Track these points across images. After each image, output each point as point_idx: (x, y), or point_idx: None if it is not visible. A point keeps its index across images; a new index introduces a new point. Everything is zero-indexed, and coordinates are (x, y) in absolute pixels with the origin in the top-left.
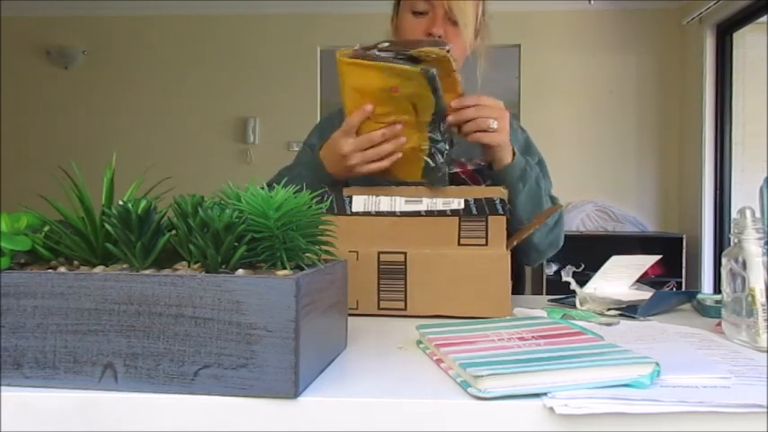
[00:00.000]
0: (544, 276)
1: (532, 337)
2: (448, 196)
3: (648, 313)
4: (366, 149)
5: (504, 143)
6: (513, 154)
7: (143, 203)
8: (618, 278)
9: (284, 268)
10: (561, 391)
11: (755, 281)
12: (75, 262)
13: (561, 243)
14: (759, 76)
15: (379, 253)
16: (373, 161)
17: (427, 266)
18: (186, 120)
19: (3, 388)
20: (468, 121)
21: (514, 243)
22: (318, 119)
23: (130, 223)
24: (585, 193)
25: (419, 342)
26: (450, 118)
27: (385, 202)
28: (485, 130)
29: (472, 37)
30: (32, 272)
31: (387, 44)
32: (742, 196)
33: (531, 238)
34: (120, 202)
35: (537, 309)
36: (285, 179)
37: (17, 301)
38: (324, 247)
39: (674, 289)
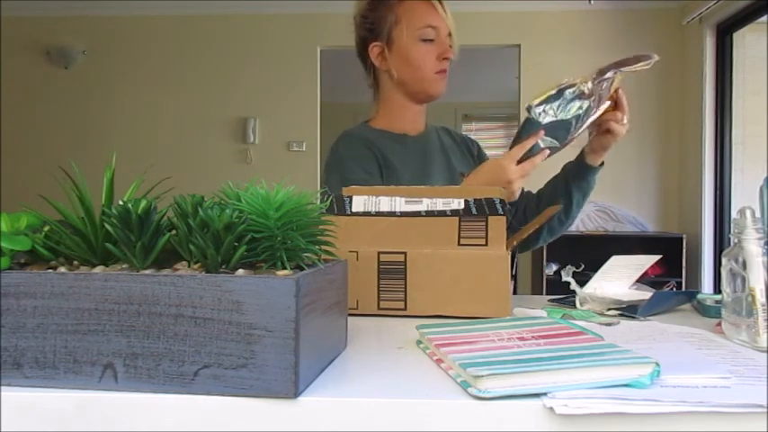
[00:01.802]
0: (544, 276)
1: (532, 337)
2: (448, 196)
3: (648, 313)
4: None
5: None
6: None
7: (143, 203)
8: (618, 278)
9: (284, 268)
10: (561, 391)
11: (755, 281)
12: (75, 262)
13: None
14: (759, 76)
15: (379, 253)
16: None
17: (427, 266)
18: (186, 120)
19: (3, 388)
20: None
21: (514, 243)
22: (318, 119)
23: (130, 223)
24: None
25: (419, 342)
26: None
27: (385, 203)
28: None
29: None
30: (32, 272)
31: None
32: (742, 196)
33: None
34: (120, 202)
35: (537, 309)
36: None
37: (17, 301)
38: (324, 247)
39: (674, 289)
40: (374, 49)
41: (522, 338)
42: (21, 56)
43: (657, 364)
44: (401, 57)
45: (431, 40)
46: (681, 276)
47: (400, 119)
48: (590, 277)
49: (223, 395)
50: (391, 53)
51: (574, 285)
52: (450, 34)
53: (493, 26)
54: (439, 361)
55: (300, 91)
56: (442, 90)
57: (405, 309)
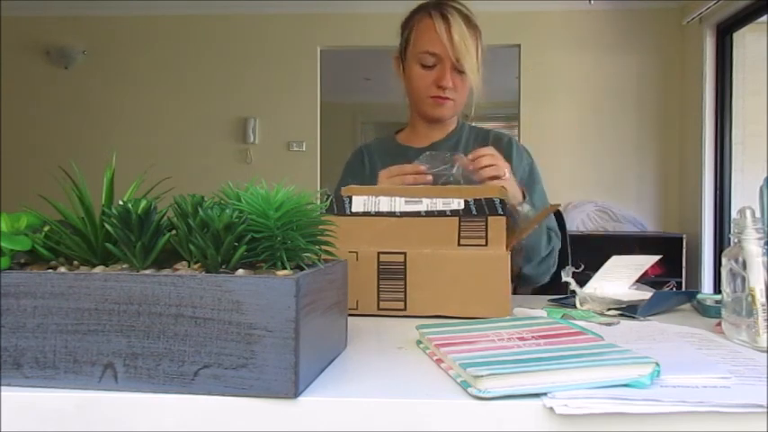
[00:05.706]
0: None
1: (532, 337)
2: (448, 196)
3: (648, 313)
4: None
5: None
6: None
7: (143, 203)
8: (618, 278)
9: (284, 268)
10: (561, 391)
11: (755, 281)
12: (75, 262)
13: (552, 271)
14: (759, 76)
15: (379, 253)
16: None
17: (427, 266)
18: (186, 120)
19: (3, 388)
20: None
21: (514, 243)
22: (318, 119)
23: (130, 223)
24: (585, 193)
25: (419, 342)
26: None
27: (385, 203)
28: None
29: (477, 78)
30: (32, 272)
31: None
32: (742, 196)
33: (522, 270)
34: (120, 202)
35: (537, 309)
36: None
37: (17, 301)
38: (324, 247)
39: (674, 289)
40: (394, 61)
41: (522, 338)
42: (21, 56)
43: (657, 364)
44: (406, 75)
45: (430, 67)
46: (681, 276)
47: (415, 132)
48: (590, 277)
49: (223, 395)
50: (403, 69)
51: (574, 285)
52: (455, 68)
53: (492, 26)
54: (439, 361)
55: (300, 91)
56: (442, 114)
57: (405, 309)
